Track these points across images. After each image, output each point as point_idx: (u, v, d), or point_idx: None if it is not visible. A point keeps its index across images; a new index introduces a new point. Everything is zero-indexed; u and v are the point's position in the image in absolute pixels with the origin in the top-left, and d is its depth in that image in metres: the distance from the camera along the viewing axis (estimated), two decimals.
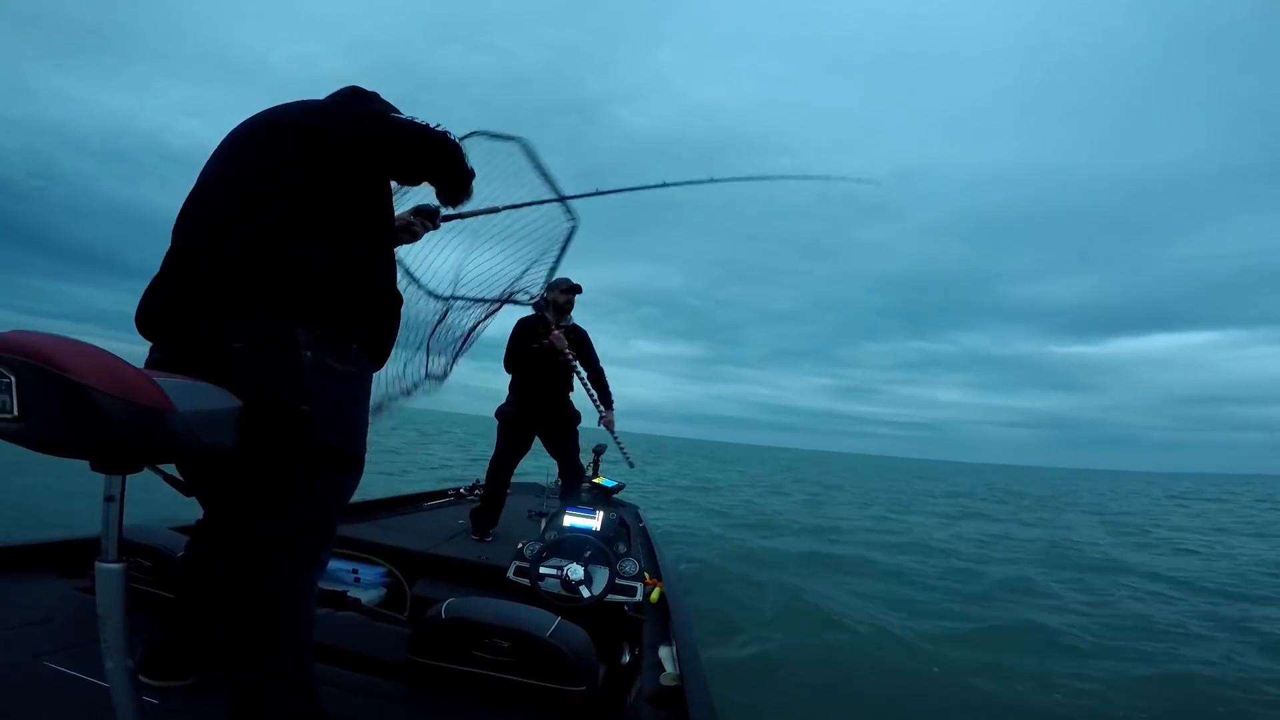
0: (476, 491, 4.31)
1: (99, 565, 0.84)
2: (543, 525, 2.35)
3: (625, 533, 2.38)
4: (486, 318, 2.13)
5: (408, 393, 1.99)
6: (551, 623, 1.39)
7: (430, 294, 2.12)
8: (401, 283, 1.81)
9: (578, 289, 3.70)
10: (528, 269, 2.07)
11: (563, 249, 2.09)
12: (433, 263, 2.05)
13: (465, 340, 2.17)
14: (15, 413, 0.77)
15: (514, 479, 5.15)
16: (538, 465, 4.48)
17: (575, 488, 3.81)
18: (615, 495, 4.81)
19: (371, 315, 1.21)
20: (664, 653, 1.71)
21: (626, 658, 1.87)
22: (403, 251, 1.96)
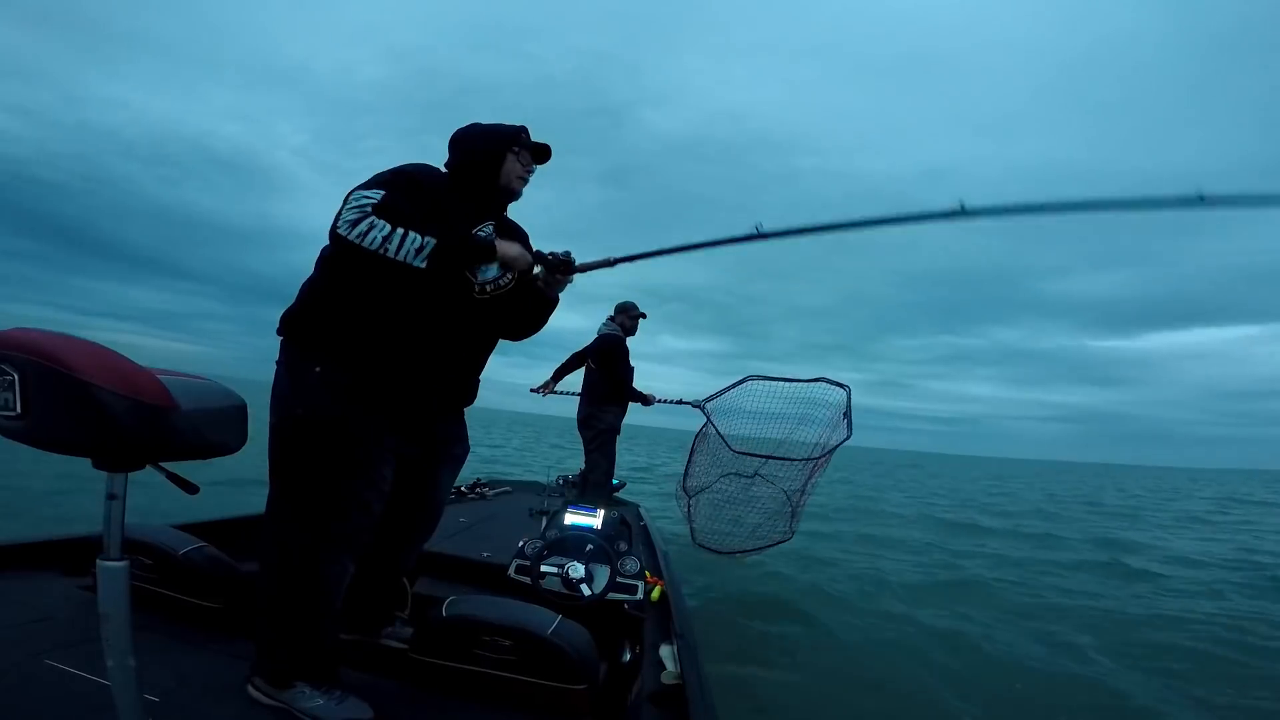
0: (476, 490, 4.37)
1: (101, 563, 0.83)
2: (544, 523, 2.35)
3: (626, 531, 2.38)
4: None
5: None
6: (552, 621, 1.39)
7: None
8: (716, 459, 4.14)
9: (643, 315, 4.42)
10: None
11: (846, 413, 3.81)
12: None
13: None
14: (18, 410, 0.77)
15: (516, 478, 5.30)
16: (541, 464, 4.51)
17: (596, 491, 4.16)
18: (616, 494, 4.82)
19: (338, 344, 1.36)
20: (665, 651, 1.71)
21: (627, 656, 1.87)
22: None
